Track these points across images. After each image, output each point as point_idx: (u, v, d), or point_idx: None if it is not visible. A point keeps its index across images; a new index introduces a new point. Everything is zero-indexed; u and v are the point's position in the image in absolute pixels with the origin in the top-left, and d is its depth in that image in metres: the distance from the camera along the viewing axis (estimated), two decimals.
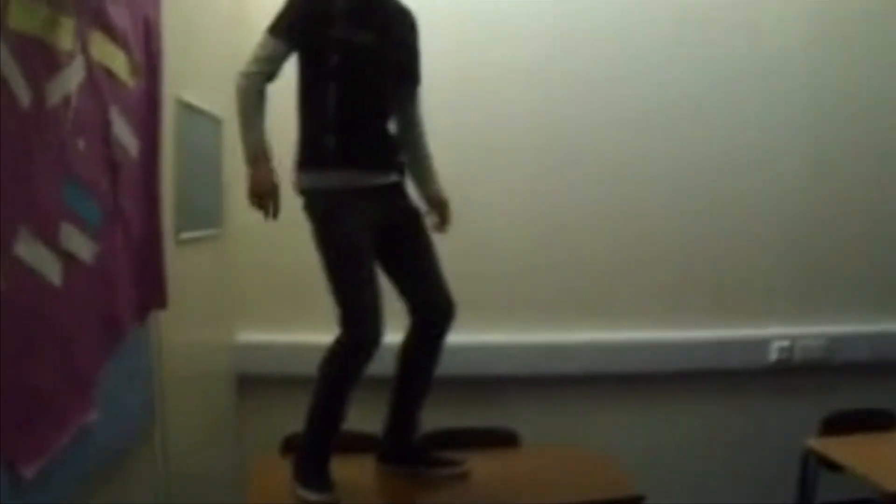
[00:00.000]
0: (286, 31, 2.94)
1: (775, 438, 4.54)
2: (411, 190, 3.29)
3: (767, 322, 4.86)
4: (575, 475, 3.35)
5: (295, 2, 2.99)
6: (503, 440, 3.75)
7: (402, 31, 3.21)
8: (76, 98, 2.19)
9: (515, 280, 4.63)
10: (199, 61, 3.46)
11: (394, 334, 3.10)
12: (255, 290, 4.44)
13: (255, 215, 4.08)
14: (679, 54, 4.72)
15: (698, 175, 4.75)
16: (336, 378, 2.97)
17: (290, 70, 3.05)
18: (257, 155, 2.93)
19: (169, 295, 3.03)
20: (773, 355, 4.82)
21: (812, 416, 4.12)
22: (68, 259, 2.16)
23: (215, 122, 3.83)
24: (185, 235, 3.37)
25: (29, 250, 1.94)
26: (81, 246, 2.25)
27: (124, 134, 2.58)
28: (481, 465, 3.29)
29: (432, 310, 3.19)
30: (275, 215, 2.94)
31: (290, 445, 3.35)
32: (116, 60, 2.51)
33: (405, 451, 3.27)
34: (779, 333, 4.85)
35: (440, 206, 3.32)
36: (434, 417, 3.43)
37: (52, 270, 2.07)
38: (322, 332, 2.95)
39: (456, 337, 3.23)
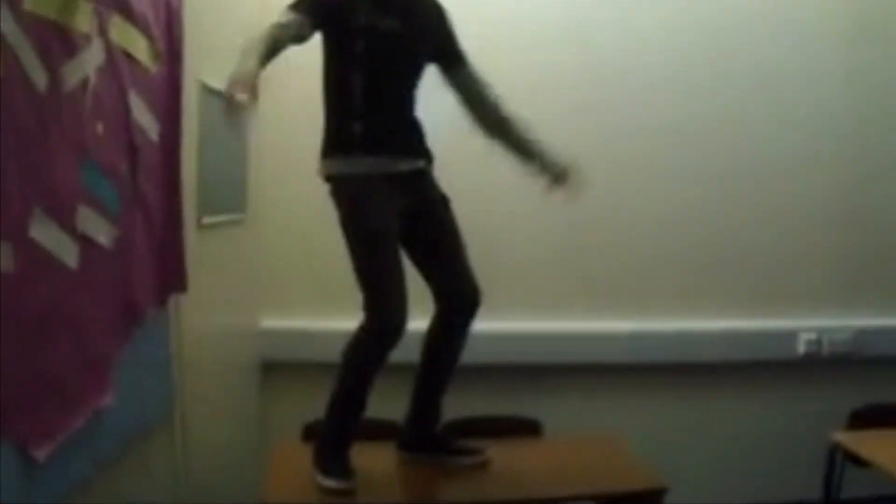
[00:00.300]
0: (306, 8, 2.89)
1: (802, 431, 4.48)
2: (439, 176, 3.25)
3: (796, 314, 4.80)
4: (597, 465, 3.31)
5: None
6: (526, 429, 3.75)
7: (426, 17, 3.17)
8: (94, 81, 2.20)
9: (541, 268, 4.61)
10: (223, 45, 3.43)
11: (419, 321, 3.09)
12: (280, 276, 4.44)
13: (281, 200, 4.11)
14: (711, 55, 4.67)
15: (727, 167, 4.70)
16: (359, 364, 2.96)
17: (315, 57, 3.03)
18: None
19: (190, 279, 3.03)
20: (802, 348, 4.77)
21: (840, 410, 4.09)
22: (85, 242, 2.16)
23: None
24: (208, 220, 3.37)
25: (44, 232, 1.94)
26: (99, 229, 2.26)
27: (145, 118, 2.58)
28: (503, 454, 3.26)
29: (458, 297, 3.17)
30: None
31: (311, 432, 3.35)
32: (137, 44, 2.51)
33: (427, 438, 3.25)
34: (807, 326, 4.79)
35: (562, 176, 3.31)
36: (457, 405, 3.41)
37: (68, 253, 2.07)
38: (347, 319, 2.93)
39: (480, 325, 3.21)
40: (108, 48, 2.28)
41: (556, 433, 3.77)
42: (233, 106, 2.55)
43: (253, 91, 2.62)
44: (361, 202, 2.97)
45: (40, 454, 1.91)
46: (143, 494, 2.77)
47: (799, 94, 4.76)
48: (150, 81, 2.62)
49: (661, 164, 4.66)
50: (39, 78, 1.90)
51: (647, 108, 4.63)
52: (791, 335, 4.78)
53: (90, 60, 2.16)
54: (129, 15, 2.43)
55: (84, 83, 2.13)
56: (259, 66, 2.71)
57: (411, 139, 3.13)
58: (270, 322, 4.45)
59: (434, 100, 3.29)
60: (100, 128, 2.25)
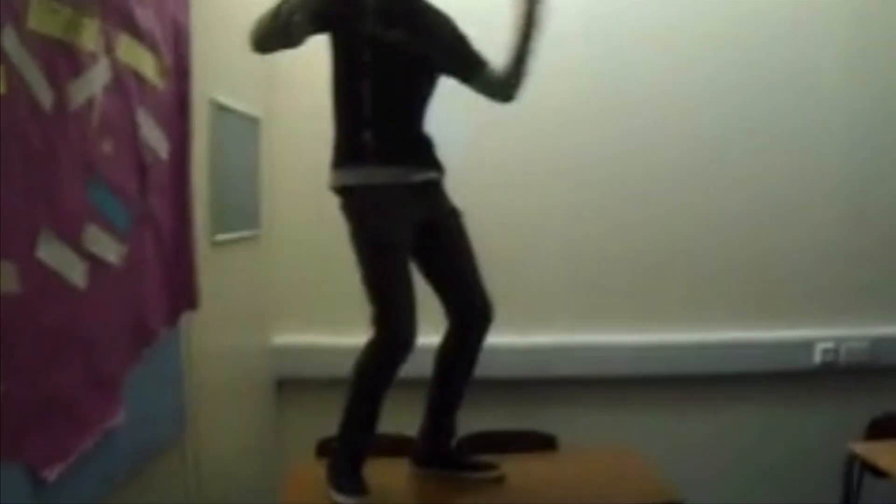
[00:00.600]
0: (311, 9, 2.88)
1: (819, 442, 4.45)
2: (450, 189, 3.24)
3: (811, 324, 4.76)
4: (613, 479, 3.30)
5: None
6: (540, 443, 3.72)
7: (435, 30, 3.16)
8: (101, 100, 2.19)
9: (555, 281, 4.59)
10: (233, 62, 3.46)
11: (432, 336, 3.08)
12: (293, 292, 4.43)
13: (294, 216, 4.10)
14: (719, 62, 4.64)
15: (739, 176, 4.68)
16: (369, 379, 2.95)
17: (327, 71, 3.03)
18: None
19: (202, 297, 3.02)
20: (818, 357, 4.73)
21: (857, 420, 4.05)
22: (93, 261, 2.15)
23: (251, 122, 3.84)
24: (220, 237, 3.37)
25: (51, 252, 1.94)
26: (108, 248, 2.25)
27: (153, 136, 2.58)
28: (518, 469, 3.24)
29: (471, 312, 3.16)
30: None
31: (325, 448, 3.33)
32: (144, 62, 2.50)
33: (441, 454, 3.23)
34: (823, 335, 4.76)
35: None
36: (471, 420, 3.40)
37: (75, 273, 2.06)
38: (361, 334, 2.92)
39: (495, 338, 3.19)
40: (115, 66, 2.28)
41: (571, 447, 3.74)
42: None
43: None
44: (372, 213, 2.95)
45: (50, 475, 1.90)
46: None
47: (807, 98, 4.72)
48: (158, 99, 2.62)
49: (671, 173, 4.63)
50: (45, 97, 1.90)
51: (656, 118, 4.61)
52: (807, 345, 4.73)
53: (97, 79, 2.16)
54: (136, 32, 2.43)
55: (90, 101, 2.13)
56: None
57: (422, 150, 3.11)
58: (284, 338, 4.43)
59: (448, 113, 3.29)
60: (107, 146, 2.25)
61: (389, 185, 2.97)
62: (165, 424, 2.83)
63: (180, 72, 2.81)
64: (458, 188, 3.22)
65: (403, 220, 2.97)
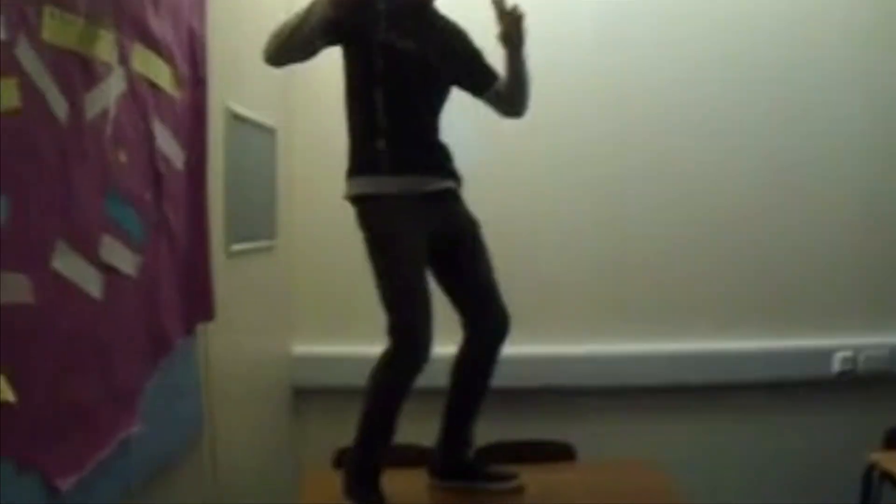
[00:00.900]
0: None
1: (838, 452, 4.39)
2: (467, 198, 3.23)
3: (830, 332, 4.73)
4: (632, 491, 3.28)
5: None
6: (559, 453, 3.71)
7: (448, 42, 3.17)
8: (116, 110, 2.20)
9: (573, 291, 4.58)
10: (249, 72, 3.46)
11: (449, 346, 3.07)
12: (312, 302, 4.44)
13: (311, 226, 4.11)
14: (734, 72, 4.64)
15: (757, 183, 4.66)
16: (385, 389, 2.94)
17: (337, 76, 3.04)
18: None
19: (219, 307, 3.02)
20: (837, 366, 4.70)
21: (876, 430, 4.01)
22: (110, 272, 2.15)
23: (268, 132, 3.85)
24: (237, 247, 3.37)
25: (67, 264, 1.94)
26: (124, 258, 2.25)
27: (169, 146, 2.58)
28: (536, 479, 3.23)
29: (487, 323, 3.15)
30: None
31: (342, 458, 3.33)
32: (160, 72, 2.51)
33: (458, 465, 3.22)
34: (842, 344, 4.72)
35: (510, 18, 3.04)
36: (489, 430, 3.39)
37: (92, 283, 2.06)
38: (379, 344, 2.91)
39: (513, 348, 3.19)
40: (130, 77, 2.28)
41: (589, 458, 3.73)
42: None
43: None
44: (388, 223, 2.95)
45: (64, 484, 1.90)
46: None
47: (826, 103, 4.70)
48: (174, 109, 2.62)
49: (689, 183, 4.62)
50: (60, 108, 1.90)
51: (674, 125, 4.60)
52: (826, 353, 4.70)
53: (112, 89, 2.17)
54: (152, 42, 2.43)
55: (106, 112, 2.13)
56: None
57: (438, 159, 3.11)
58: (301, 348, 4.44)
59: (464, 122, 3.30)
60: (123, 157, 2.25)
61: (403, 194, 2.96)
62: (182, 434, 2.82)
63: (196, 82, 2.82)
64: (476, 197, 3.22)
65: (418, 230, 2.97)
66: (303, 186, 4.25)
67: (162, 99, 2.53)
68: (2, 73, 1.69)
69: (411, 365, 2.88)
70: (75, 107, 1.97)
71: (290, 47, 2.88)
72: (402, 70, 2.97)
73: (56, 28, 1.88)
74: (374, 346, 2.93)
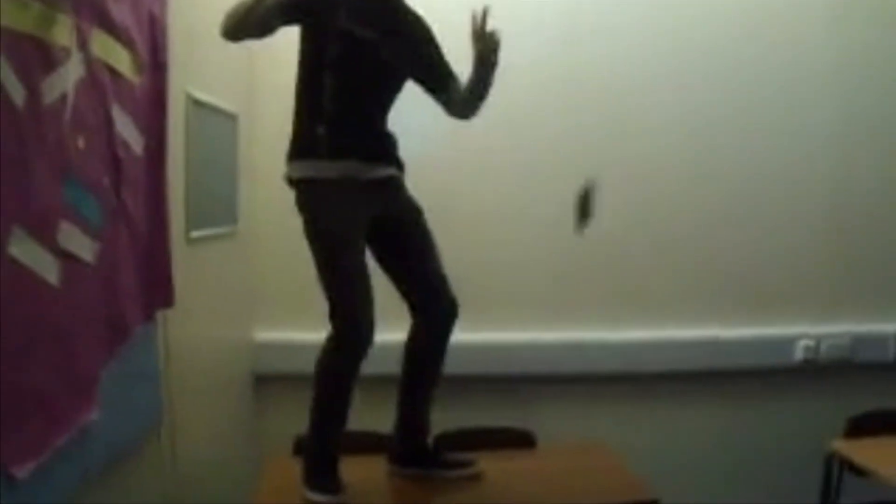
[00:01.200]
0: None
1: (799, 440, 4.47)
2: (411, 186, 3.24)
3: (793, 321, 4.78)
4: (590, 476, 3.32)
5: None
6: (518, 440, 3.73)
7: (409, 35, 3.18)
8: (74, 96, 2.17)
9: (529, 277, 4.59)
10: (210, 57, 3.44)
11: (399, 332, 3.08)
12: (272, 288, 4.42)
13: (272, 212, 4.10)
14: (706, 59, 4.67)
15: (723, 173, 4.70)
16: (331, 374, 2.96)
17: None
18: None
19: (179, 293, 3.01)
20: (799, 354, 4.75)
21: (837, 418, 4.07)
22: (67, 258, 2.14)
23: (229, 118, 3.83)
24: (197, 233, 3.36)
25: (24, 250, 1.92)
26: (82, 245, 2.24)
27: (128, 131, 2.56)
28: (495, 466, 3.26)
29: (435, 309, 3.17)
30: None
31: (302, 445, 3.33)
32: (119, 57, 2.49)
33: (416, 452, 3.24)
34: (804, 332, 4.78)
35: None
36: (448, 417, 3.40)
37: (49, 270, 2.05)
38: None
39: (472, 335, 3.21)
40: (89, 61, 2.26)
41: (548, 444, 3.76)
42: None
43: None
44: (325, 208, 2.96)
45: (21, 471, 1.89)
46: None
47: (792, 99, 4.75)
48: (133, 94, 2.60)
49: (649, 168, 4.64)
50: (17, 93, 1.88)
51: (635, 112, 4.63)
52: (789, 342, 4.76)
53: (70, 74, 2.15)
54: (111, 27, 2.41)
55: (64, 98, 2.11)
56: None
57: (381, 147, 3.13)
58: (262, 335, 4.43)
59: (416, 108, 3.30)
60: (81, 142, 2.23)
61: (342, 179, 2.97)
62: (142, 421, 2.81)
63: (156, 67, 2.79)
64: (430, 184, 3.23)
65: (355, 216, 2.98)
66: (264, 172, 4.21)
67: (121, 84, 2.51)
68: None
69: (355, 349, 2.89)
70: (33, 92, 1.95)
71: (247, 23, 2.88)
72: (355, 58, 2.98)
73: (13, 11, 1.86)
74: None
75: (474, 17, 2.99)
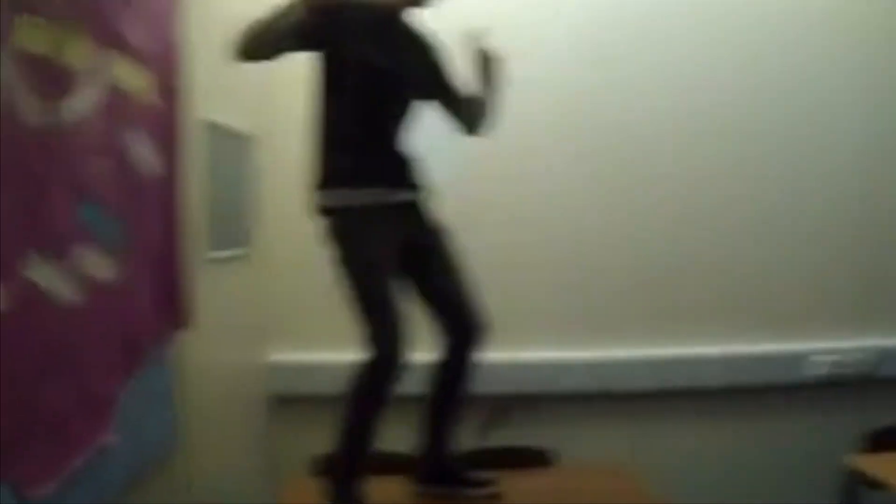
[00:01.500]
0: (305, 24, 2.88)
1: (816, 456, 4.44)
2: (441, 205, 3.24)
3: (808, 336, 4.76)
4: (608, 496, 3.29)
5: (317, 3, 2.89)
6: (536, 459, 3.73)
7: (420, 56, 3.20)
8: (91, 118, 2.19)
9: (549, 296, 4.58)
10: (226, 80, 3.46)
11: (427, 353, 3.08)
12: (288, 310, 4.42)
13: (287, 233, 4.10)
14: (729, 73, 4.66)
15: (734, 184, 4.67)
16: (362, 398, 2.94)
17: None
18: None
19: (195, 315, 3.02)
20: (815, 370, 4.72)
21: (855, 433, 4.06)
22: (83, 279, 2.15)
23: (244, 140, 3.84)
24: (213, 255, 3.37)
25: (41, 271, 1.93)
26: (98, 266, 2.24)
27: (144, 153, 2.58)
28: (514, 485, 3.24)
29: (463, 329, 3.16)
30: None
31: (321, 465, 3.32)
32: (136, 80, 2.50)
33: (439, 471, 3.23)
34: (822, 347, 4.75)
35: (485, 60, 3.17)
36: (468, 436, 3.39)
37: (65, 291, 2.06)
38: (356, 351, 2.91)
39: (490, 354, 3.19)
40: (106, 84, 2.28)
41: (566, 463, 3.75)
42: None
43: None
44: (355, 234, 2.96)
45: (36, 494, 1.89)
46: None
47: (806, 110, 4.73)
48: (149, 116, 2.62)
49: (665, 186, 4.63)
50: (34, 115, 1.89)
51: (652, 128, 4.62)
52: (803, 357, 4.73)
53: (87, 97, 2.16)
54: (127, 50, 2.43)
55: (81, 120, 2.13)
56: None
57: (404, 171, 3.13)
58: (278, 356, 4.42)
59: (437, 129, 3.31)
60: (98, 165, 2.24)
61: (370, 206, 2.98)
62: (158, 443, 2.81)
63: (172, 89, 2.81)
64: (452, 205, 3.23)
65: (385, 240, 2.98)
66: (278, 194, 4.24)
67: (138, 106, 2.52)
68: None
69: (389, 374, 2.88)
70: (50, 114, 1.96)
71: (261, 45, 2.88)
72: (370, 83, 2.99)
73: (30, 34, 1.87)
74: (351, 354, 2.91)
75: (472, 37, 3.03)
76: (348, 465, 3.00)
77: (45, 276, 1.95)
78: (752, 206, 4.70)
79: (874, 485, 3.61)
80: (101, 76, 2.25)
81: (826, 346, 4.73)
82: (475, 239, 3.24)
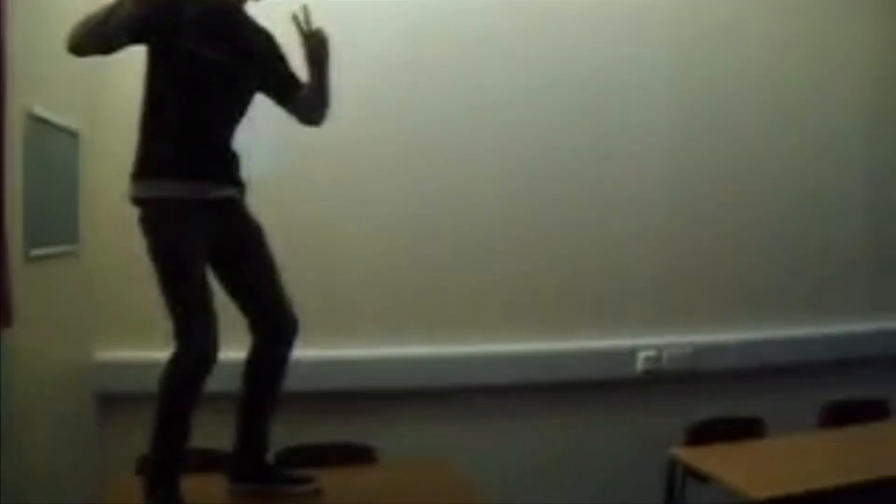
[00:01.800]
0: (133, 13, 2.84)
1: (642, 449, 4.59)
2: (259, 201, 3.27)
3: (634, 331, 4.92)
4: (429, 492, 3.37)
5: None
6: (358, 456, 3.77)
7: (255, 47, 3.20)
8: None
9: (372, 294, 4.66)
10: (52, 74, 3.41)
11: (237, 350, 3.11)
12: (117, 307, 4.36)
13: (114, 230, 4.05)
14: (544, 62, 4.83)
15: (564, 180, 4.82)
16: (173, 393, 2.94)
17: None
18: None
19: (17, 312, 2.96)
20: (640, 364, 4.89)
21: (680, 426, 4.22)
22: None
23: (71, 135, 3.79)
24: (37, 252, 3.31)
25: None
26: None
27: None
28: (335, 482, 3.28)
29: (274, 327, 3.21)
30: None
31: (145, 465, 3.30)
32: None
33: (256, 468, 3.25)
34: (645, 343, 4.92)
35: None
36: (288, 433, 3.42)
37: None
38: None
39: (310, 351, 3.24)
40: None
41: (388, 460, 3.81)
42: None
43: None
44: (168, 227, 2.97)
45: None
46: None
47: (625, 101, 4.92)
48: None
49: (491, 184, 4.81)
50: None
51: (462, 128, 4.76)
52: (631, 352, 4.90)
53: None
54: None
55: None
56: None
57: (224, 167, 3.14)
58: (105, 354, 4.37)
59: (259, 126, 3.32)
60: None
61: (186, 199, 2.99)
62: None
63: None
64: (271, 200, 3.31)
65: (198, 235, 2.99)
66: (106, 191, 4.17)
67: None
68: None
69: (198, 368, 2.90)
70: None
71: (94, 39, 2.85)
72: (202, 77, 2.99)
73: None
74: None
75: (296, 18, 3.06)
76: (164, 462, 2.99)
77: None
78: (580, 209, 4.89)
79: (699, 476, 3.77)
80: None
81: (650, 342, 4.92)
82: (293, 236, 3.26)
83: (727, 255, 5.15)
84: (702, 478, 3.78)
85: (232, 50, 3.05)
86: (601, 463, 4.87)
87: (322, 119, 3.31)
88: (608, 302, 4.94)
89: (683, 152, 5.03)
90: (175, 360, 2.90)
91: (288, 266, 3.23)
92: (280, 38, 3.27)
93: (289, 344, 3.20)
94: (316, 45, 3.11)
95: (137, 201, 3.02)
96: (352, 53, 3.85)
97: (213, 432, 3.10)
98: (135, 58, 3.00)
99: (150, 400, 3.05)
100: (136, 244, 3.05)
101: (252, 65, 3.16)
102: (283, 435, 3.33)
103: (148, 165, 3.01)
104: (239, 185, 3.17)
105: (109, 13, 2.80)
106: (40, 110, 3.31)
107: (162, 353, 2.95)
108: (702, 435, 4.18)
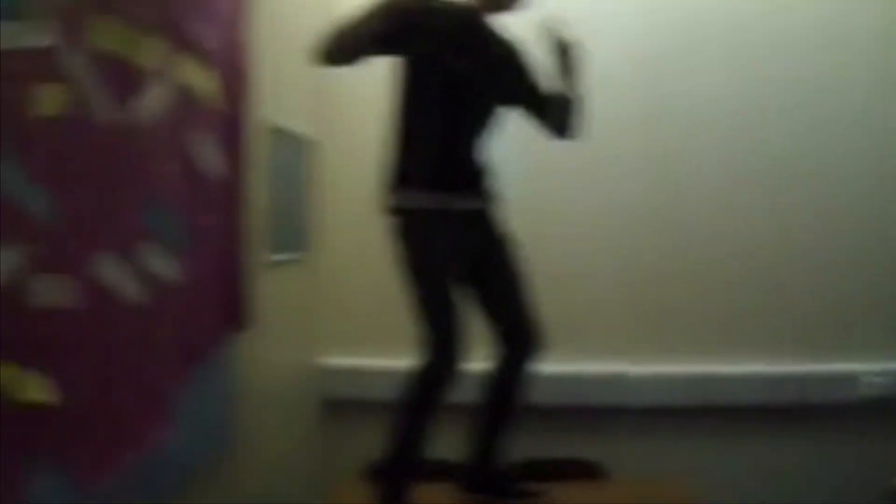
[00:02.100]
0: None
1: (868, 476, 4.36)
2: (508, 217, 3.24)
3: (857, 355, 4.68)
4: None
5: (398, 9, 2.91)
6: (588, 472, 3.71)
7: (504, 59, 3.18)
8: (159, 118, 2.21)
9: (608, 310, 4.55)
10: (291, 84, 3.49)
11: (482, 362, 3.08)
12: (343, 314, 4.42)
13: (344, 237, 4.11)
14: (777, 80, 4.62)
15: (783, 198, 4.61)
16: (415, 402, 2.94)
17: (380, 92, 3.06)
18: None
19: (255, 317, 3.04)
20: (864, 390, 4.65)
21: None
22: (147, 279, 2.17)
23: (306, 144, 3.87)
24: (274, 258, 3.40)
25: (106, 269, 1.95)
26: (161, 266, 2.27)
27: (209, 155, 2.60)
28: (564, 497, 3.22)
29: (521, 339, 3.15)
30: None
31: (371, 471, 3.33)
32: (203, 82, 2.53)
33: (489, 480, 3.22)
34: (869, 369, 4.68)
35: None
36: (519, 447, 3.38)
37: (129, 290, 2.08)
38: (410, 357, 2.92)
39: (547, 366, 3.18)
40: (174, 85, 2.30)
41: (617, 477, 3.72)
42: None
43: None
44: (421, 237, 2.97)
45: (96, 486, 1.92)
46: None
47: (840, 120, 4.67)
48: (214, 118, 2.64)
49: (721, 200, 4.57)
50: (103, 114, 1.92)
51: (710, 142, 4.58)
52: (853, 377, 4.65)
53: (155, 97, 2.19)
54: (196, 52, 2.45)
55: (149, 120, 2.15)
56: None
57: (477, 178, 3.12)
58: (333, 360, 4.44)
59: (510, 141, 3.31)
60: (164, 165, 2.27)
61: (440, 210, 2.98)
62: (214, 443, 2.84)
63: (238, 92, 2.84)
64: (514, 215, 3.23)
65: (449, 246, 2.99)
66: (335, 198, 4.26)
67: (203, 108, 2.55)
68: (50, 79, 1.71)
69: (443, 379, 2.88)
70: (119, 113, 1.99)
71: (345, 51, 2.90)
72: (454, 90, 2.99)
73: (103, 34, 1.90)
74: (404, 360, 2.93)
75: (547, 29, 3.03)
76: (398, 470, 3.00)
77: (111, 274, 1.97)
78: (800, 226, 4.61)
79: None
80: (171, 78, 2.28)
81: (873, 368, 4.65)
82: (541, 251, 3.22)
83: None
84: None
85: (481, 62, 3.05)
86: (825, 489, 4.61)
87: (574, 133, 3.26)
88: (833, 324, 4.67)
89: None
90: (421, 370, 2.90)
91: (531, 281, 3.19)
92: (528, 49, 3.24)
93: (535, 357, 3.15)
94: (569, 59, 3.09)
95: (391, 211, 3.04)
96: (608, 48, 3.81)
97: (448, 442, 3.08)
98: (371, 66, 3.03)
99: (373, 406, 3.07)
100: (364, 253, 3.08)
101: (500, 77, 3.15)
102: (516, 448, 3.29)
103: (403, 176, 3.03)
104: (488, 197, 3.16)
105: (360, 25, 2.84)
106: (280, 120, 3.39)
107: (386, 360, 2.96)
108: None
